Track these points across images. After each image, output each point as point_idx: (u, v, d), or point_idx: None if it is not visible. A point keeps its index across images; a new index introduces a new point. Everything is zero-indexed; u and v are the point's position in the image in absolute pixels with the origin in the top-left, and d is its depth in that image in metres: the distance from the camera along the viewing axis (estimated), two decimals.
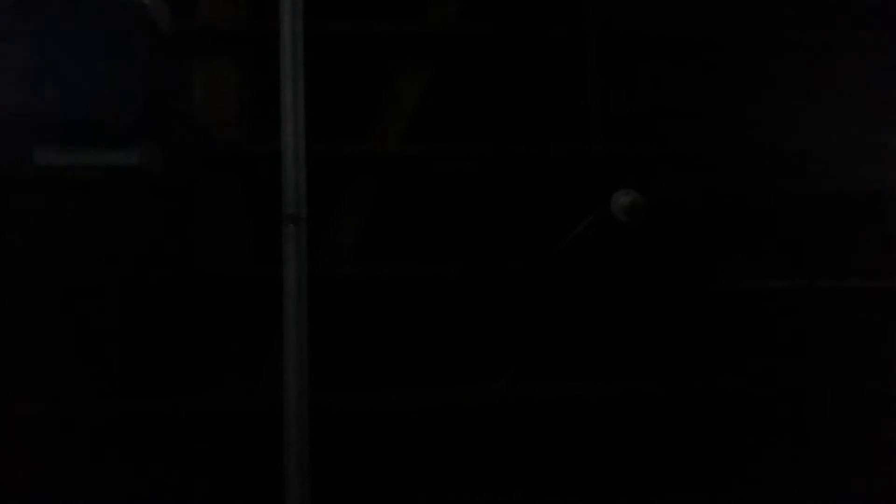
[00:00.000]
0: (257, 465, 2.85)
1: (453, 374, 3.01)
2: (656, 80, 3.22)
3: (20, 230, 2.90)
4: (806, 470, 3.00)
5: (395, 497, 2.94)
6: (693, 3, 3.22)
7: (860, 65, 3.23)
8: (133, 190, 2.97)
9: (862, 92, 3.21)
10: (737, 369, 3.09)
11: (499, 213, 3.13)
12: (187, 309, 2.96)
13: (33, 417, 2.84)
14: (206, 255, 2.98)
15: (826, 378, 3.09)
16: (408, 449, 2.96)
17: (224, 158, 3.04)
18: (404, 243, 3.09)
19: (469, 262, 3.08)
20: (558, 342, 3.05)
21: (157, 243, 2.98)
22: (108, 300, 2.93)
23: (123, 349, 2.92)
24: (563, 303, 3.07)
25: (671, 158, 3.20)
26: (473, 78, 3.19)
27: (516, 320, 3.07)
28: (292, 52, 2.93)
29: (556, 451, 2.99)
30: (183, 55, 3.02)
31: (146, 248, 2.97)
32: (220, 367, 2.95)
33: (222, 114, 3.05)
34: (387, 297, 3.06)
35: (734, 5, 3.22)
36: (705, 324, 3.09)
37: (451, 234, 3.10)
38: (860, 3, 3.25)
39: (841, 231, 3.15)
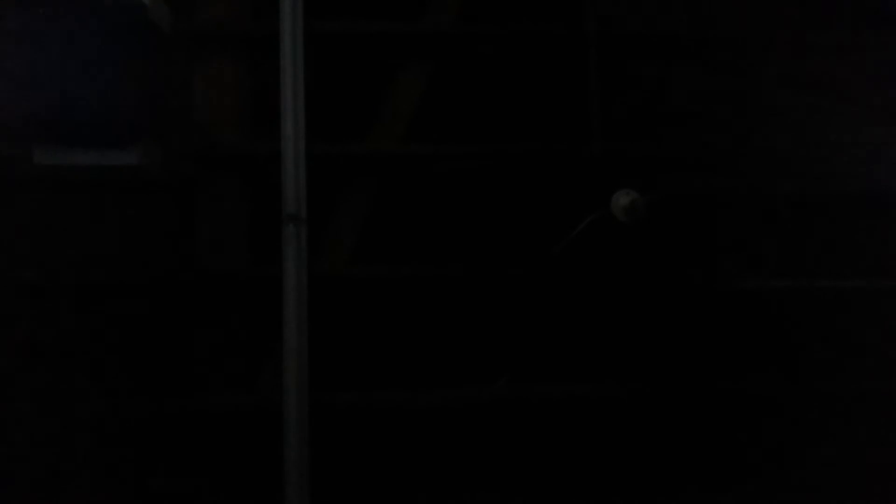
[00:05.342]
0: (257, 465, 2.85)
1: (453, 374, 3.01)
2: (656, 81, 3.22)
3: (20, 230, 2.90)
4: (805, 471, 3.00)
5: (394, 497, 2.94)
6: (693, 4, 3.22)
7: (860, 65, 3.23)
8: (133, 190, 2.97)
9: (862, 92, 3.21)
10: (736, 369, 3.09)
11: (498, 213, 3.13)
12: (187, 309, 2.96)
13: (33, 417, 2.84)
14: (206, 254, 2.98)
15: (825, 378, 3.09)
16: (407, 449, 2.96)
17: (224, 158, 3.04)
18: (404, 243, 3.09)
19: (469, 262, 3.08)
20: (558, 342, 3.05)
21: (157, 243, 2.98)
22: (107, 300, 2.94)
23: (122, 349, 2.92)
24: (562, 303, 3.07)
25: (671, 158, 3.20)
26: (473, 78, 3.19)
27: (516, 320, 3.07)
28: (292, 52, 2.93)
29: (556, 452, 2.99)
30: (183, 55, 3.02)
31: (146, 247, 2.97)
32: (220, 366, 2.95)
33: (222, 114, 3.05)
34: (386, 297, 3.06)
35: (734, 6, 3.22)
36: (705, 324, 3.09)
37: (450, 234, 3.11)
38: (860, 2, 3.25)
39: (841, 231, 3.15)
